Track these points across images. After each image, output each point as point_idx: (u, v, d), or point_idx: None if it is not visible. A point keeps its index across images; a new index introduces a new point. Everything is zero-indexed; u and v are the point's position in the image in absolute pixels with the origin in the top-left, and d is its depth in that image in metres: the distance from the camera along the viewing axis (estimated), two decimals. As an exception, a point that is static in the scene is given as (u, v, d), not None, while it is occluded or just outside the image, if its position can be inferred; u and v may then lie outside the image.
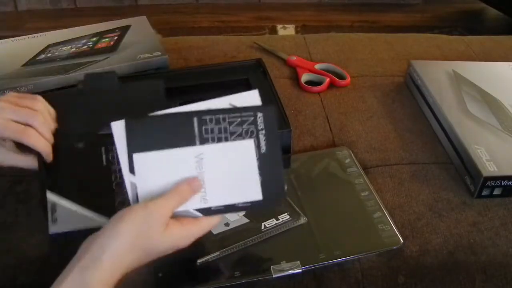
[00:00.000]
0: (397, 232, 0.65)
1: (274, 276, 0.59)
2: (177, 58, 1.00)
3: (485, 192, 0.70)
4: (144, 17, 1.09)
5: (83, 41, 1.00)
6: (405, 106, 0.89)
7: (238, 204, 0.54)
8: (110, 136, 0.53)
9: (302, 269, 0.60)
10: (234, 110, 0.55)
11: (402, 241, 0.64)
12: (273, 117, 0.55)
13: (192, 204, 0.54)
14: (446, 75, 0.90)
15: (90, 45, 0.99)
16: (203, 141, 0.53)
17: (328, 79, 0.94)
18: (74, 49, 0.97)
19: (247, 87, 0.87)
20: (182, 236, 0.52)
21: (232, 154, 0.54)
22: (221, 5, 2.47)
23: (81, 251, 0.49)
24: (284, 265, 0.60)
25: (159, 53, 0.94)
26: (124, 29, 1.04)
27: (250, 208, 0.55)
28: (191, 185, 0.53)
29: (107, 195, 0.60)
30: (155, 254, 0.51)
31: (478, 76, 0.90)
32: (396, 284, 0.62)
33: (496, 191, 0.71)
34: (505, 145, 0.74)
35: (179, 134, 0.53)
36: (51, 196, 0.59)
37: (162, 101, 0.68)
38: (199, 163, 0.54)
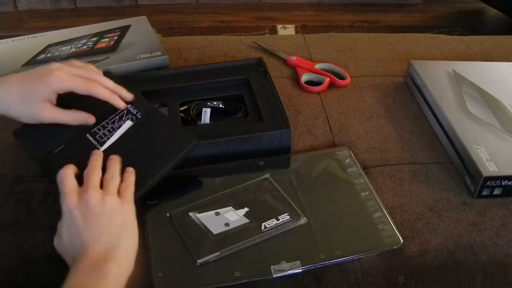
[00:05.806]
0: (397, 232, 0.65)
1: (274, 276, 0.59)
2: (177, 58, 1.00)
3: (485, 192, 0.70)
4: (144, 17, 1.08)
5: (83, 41, 1.00)
6: (405, 106, 0.89)
7: None
8: None
9: (302, 269, 0.60)
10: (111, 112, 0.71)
11: (402, 241, 0.64)
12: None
13: None
14: (446, 75, 0.90)
15: (90, 45, 0.98)
16: (102, 143, 0.68)
17: (328, 79, 0.94)
18: (74, 49, 0.97)
19: (247, 86, 0.87)
20: None
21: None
22: (221, 5, 2.47)
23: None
24: (284, 265, 0.60)
25: (159, 53, 0.94)
26: (124, 29, 1.04)
27: None
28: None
29: None
30: None
31: (478, 76, 0.90)
32: (396, 284, 0.62)
33: (496, 191, 0.71)
34: (505, 145, 0.74)
35: (83, 152, 0.65)
36: None
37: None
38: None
